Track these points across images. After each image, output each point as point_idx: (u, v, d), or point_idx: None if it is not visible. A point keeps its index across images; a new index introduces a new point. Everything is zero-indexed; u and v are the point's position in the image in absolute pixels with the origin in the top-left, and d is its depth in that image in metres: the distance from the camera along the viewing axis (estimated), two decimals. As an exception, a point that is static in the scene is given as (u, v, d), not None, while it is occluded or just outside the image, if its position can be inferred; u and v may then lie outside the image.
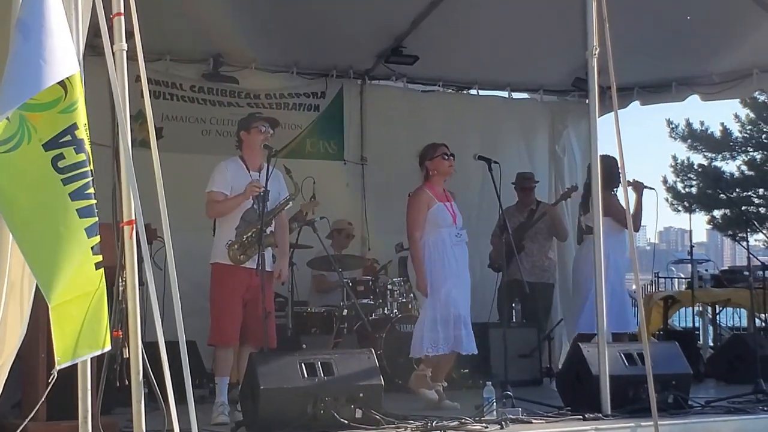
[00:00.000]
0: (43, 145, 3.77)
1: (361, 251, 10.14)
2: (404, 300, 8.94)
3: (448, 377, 7.49)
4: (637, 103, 11.24)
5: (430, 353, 7.12)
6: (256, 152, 6.65)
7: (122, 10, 4.21)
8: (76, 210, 3.79)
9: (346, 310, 8.68)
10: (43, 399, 4.62)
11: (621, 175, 6.24)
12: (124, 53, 4.20)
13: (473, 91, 11.20)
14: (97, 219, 3.84)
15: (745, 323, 11.91)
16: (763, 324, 10.65)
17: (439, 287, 7.13)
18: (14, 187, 3.71)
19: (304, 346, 8.08)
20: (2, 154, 3.68)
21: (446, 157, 7.37)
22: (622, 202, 7.84)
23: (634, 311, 9.05)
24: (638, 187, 8.30)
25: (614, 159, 8.53)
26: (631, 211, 7.79)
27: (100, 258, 3.83)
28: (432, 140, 7.58)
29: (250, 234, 6.47)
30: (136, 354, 4.16)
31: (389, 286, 8.96)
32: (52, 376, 3.78)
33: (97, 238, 3.83)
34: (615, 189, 8.18)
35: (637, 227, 8.07)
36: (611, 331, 7.85)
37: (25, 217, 3.73)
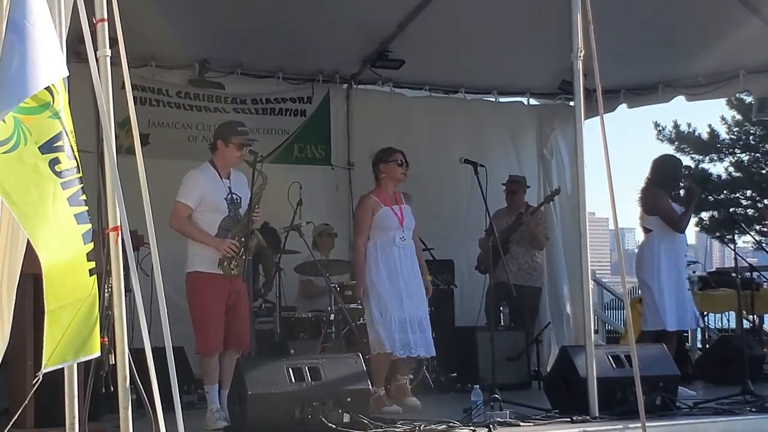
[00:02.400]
0: (39, 148, 3.77)
1: (349, 256, 10.13)
2: (392, 304, 8.92)
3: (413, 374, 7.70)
4: (624, 106, 11.27)
5: (381, 351, 7.24)
6: (228, 162, 6.61)
7: (106, 16, 4.20)
8: (74, 216, 3.80)
9: (333, 315, 8.67)
10: (25, 403, 4.60)
11: (608, 177, 6.21)
12: (108, 59, 4.19)
13: (460, 95, 11.20)
14: (90, 226, 3.85)
15: (733, 325, 11.95)
16: (751, 325, 10.68)
17: (387, 288, 7.29)
18: (16, 188, 3.70)
19: (292, 351, 8.08)
20: (1, 155, 3.67)
21: (400, 163, 7.52)
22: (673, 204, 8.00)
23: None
24: (693, 192, 8.33)
25: (679, 160, 8.63)
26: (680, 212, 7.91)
27: (93, 264, 3.84)
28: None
29: (240, 250, 6.41)
30: (123, 360, 4.15)
31: (377, 291, 8.94)
32: (36, 379, 3.77)
33: (92, 245, 3.84)
34: (675, 191, 8.21)
35: (682, 228, 8.09)
36: (672, 329, 8.12)
37: (28, 214, 3.71)
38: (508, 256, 9.19)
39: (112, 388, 4.30)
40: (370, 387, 5.95)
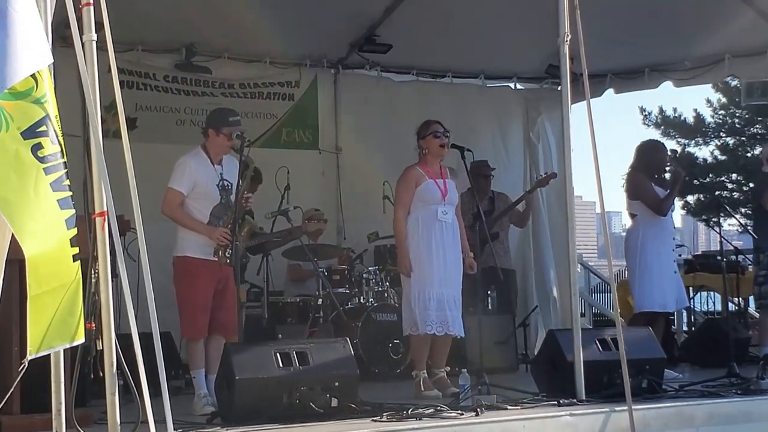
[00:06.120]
0: (21, 134, 3.75)
1: (337, 240, 10.15)
2: (380, 289, 8.95)
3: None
4: (611, 90, 11.29)
5: (413, 332, 7.04)
6: (220, 150, 6.58)
7: (91, 0, 4.18)
8: (57, 201, 3.78)
9: (321, 300, 8.69)
10: (12, 389, 4.59)
11: (594, 162, 6.20)
12: (94, 44, 4.17)
13: (447, 80, 11.20)
14: (74, 211, 3.84)
15: (719, 307, 12.01)
16: (737, 308, 10.74)
17: (427, 265, 7.02)
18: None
19: (279, 335, 8.08)
20: None
21: (438, 135, 7.20)
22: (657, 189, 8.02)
23: None
24: (677, 176, 8.33)
25: (662, 145, 8.65)
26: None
27: (77, 250, 3.83)
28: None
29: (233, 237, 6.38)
30: (110, 346, 4.14)
31: (365, 275, 8.97)
32: (22, 366, 3.76)
33: (75, 230, 3.82)
34: (660, 176, 8.22)
35: (664, 212, 8.11)
36: (670, 309, 8.35)
37: (8, 199, 3.70)
38: (497, 241, 9.26)
39: (100, 374, 4.30)
40: (357, 371, 5.94)
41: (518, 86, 11.66)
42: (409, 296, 7.10)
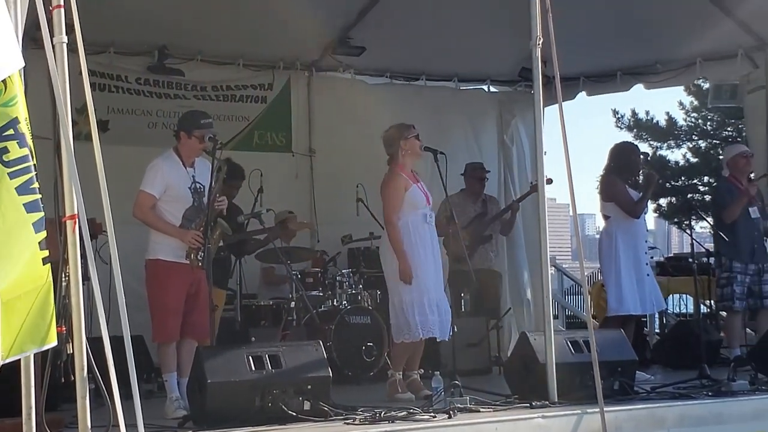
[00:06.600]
0: (-14, 139, 3.73)
1: (310, 243, 10.14)
2: (353, 291, 8.95)
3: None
4: (583, 93, 11.34)
5: (407, 340, 6.99)
6: (192, 153, 6.57)
7: (62, 2, 4.17)
8: (23, 205, 3.76)
9: (294, 303, 8.68)
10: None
11: (566, 164, 6.21)
12: (65, 46, 4.16)
13: (421, 82, 11.21)
14: (43, 214, 3.82)
15: (690, 310, 12.08)
16: (708, 310, 10.80)
17: (422, 270, 6.99)
18: None
19: (253, 338, 8.07)
20: None
21: (419, 138, 7.21)
22: (631, 191, 8.07)
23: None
24: (651, 179, 8.37)
25: (635, 147, 8.71)
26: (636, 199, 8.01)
27: (47, 253, 3.81)
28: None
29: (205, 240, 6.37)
30: (81, 349, 4.13)
31: (338, 278, 8.97)
32: (-5, 370, 3.75)
33: (44, 233, 3.81)
34: (633, 178, 8.25)
35: (638, 214, 8.15)
36: (647, 312, 8.53)
37: None
38: (489, 244, 9.44)
39: (71, 378, 4.28)
40: (330, 374, 5.93)
41: (492, 89, 11.68)
42: (402, 303, 7.00)
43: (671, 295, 11.49)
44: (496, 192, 10.82)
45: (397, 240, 7.01)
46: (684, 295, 11.99)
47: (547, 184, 9.29)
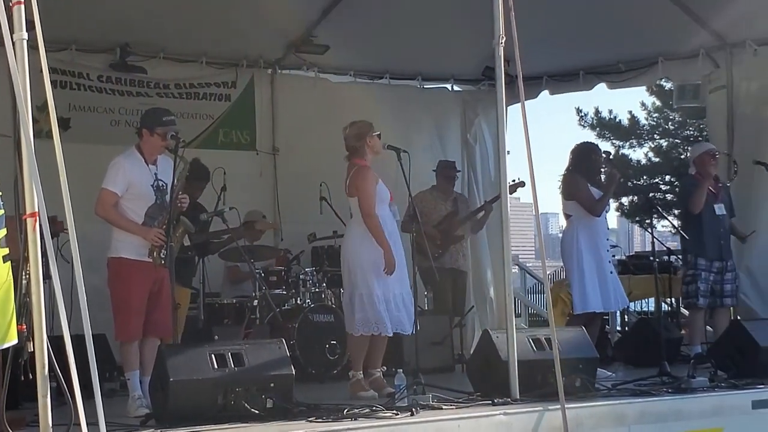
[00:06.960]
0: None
1: (274, 242, 10.13)
2: (317, 290, 8.95)
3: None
4: (546, 92, 11.40)
5: (376, 332, 6.97)
6: (154, 150, 6.54)
7: (22, -1, 4.14)
8: (-19, 203, 3.73)
9: (257, 301, 8.66)
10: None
11: (529, 163, 6.23)
12: (25, 43, 4.13)
13: (384, 81, 11.23)
14: (3, 212, 3.79)
15: (651, 308, 12.18)
16: (669, 308, 10.89)
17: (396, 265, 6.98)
18: None
19: (216, 337, 8.05)
20: None
21: (380, 136, 7.24)
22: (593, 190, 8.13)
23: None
24: (612, 177, 8.43)
25: (596, 147, 8.77)
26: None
27: (6, 251, 3.79)
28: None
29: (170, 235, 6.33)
30: (42, 348, 4.11)
31: (302, 277, 8.97)
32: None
33: (4, 231, 3.79)
34: (595, 177, 8.32)
35: (598, 212, 8.22)
36: (611, 309, 8.70)
37: None
38: (460, 243, 9.56)
39: (31, 376, 4.25)
40: (293, 372, 5.93)
41: (456, 88, 11.73)
42: (374, 296, 6.96)
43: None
44: (460, 191, 10.86)
45: (379, 232, 6.99)
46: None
47: (520, 186, 9.43)
